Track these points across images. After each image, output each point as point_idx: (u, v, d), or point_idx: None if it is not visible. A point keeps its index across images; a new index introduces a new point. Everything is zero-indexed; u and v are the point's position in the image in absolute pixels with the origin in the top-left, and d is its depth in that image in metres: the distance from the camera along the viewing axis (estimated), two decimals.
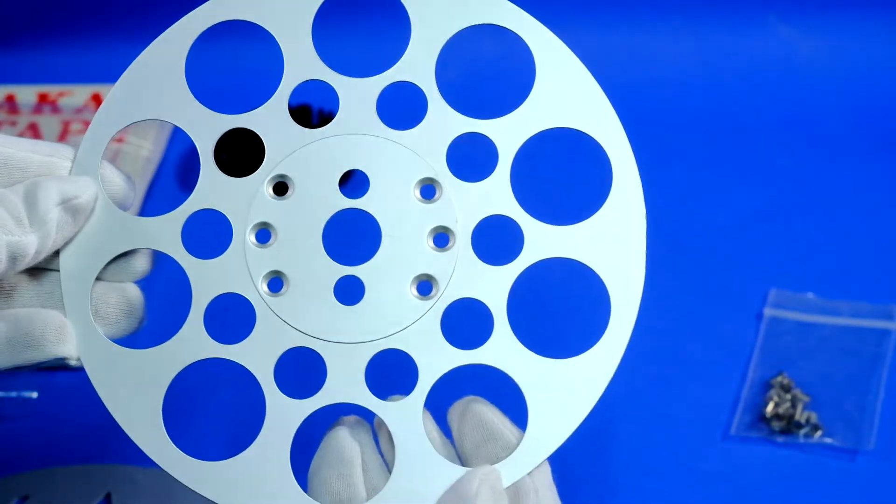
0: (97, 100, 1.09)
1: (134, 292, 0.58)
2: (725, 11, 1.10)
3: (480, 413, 0.56)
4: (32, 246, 0.55)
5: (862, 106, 1.06)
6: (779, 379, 0.86)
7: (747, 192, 1.01)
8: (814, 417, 0.84)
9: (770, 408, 0.84)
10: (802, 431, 0.83)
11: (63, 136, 1.06)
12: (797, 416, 0.84)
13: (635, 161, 0.58)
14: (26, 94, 1.11)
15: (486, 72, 1.02)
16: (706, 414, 0.85)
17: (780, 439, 0.83)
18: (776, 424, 0.84)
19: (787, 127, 1.05)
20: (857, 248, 0.95)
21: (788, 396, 0.85)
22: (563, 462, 0.57)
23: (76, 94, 1.10)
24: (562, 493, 0.57)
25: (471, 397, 0.57)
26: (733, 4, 1.10)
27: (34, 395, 0.88)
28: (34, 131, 1.07)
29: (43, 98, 1.10)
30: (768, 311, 0.91)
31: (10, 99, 1.11)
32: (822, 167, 1.02)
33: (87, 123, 1.05)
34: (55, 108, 1.09)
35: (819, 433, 0.83)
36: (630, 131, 0.59)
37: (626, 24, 1.11)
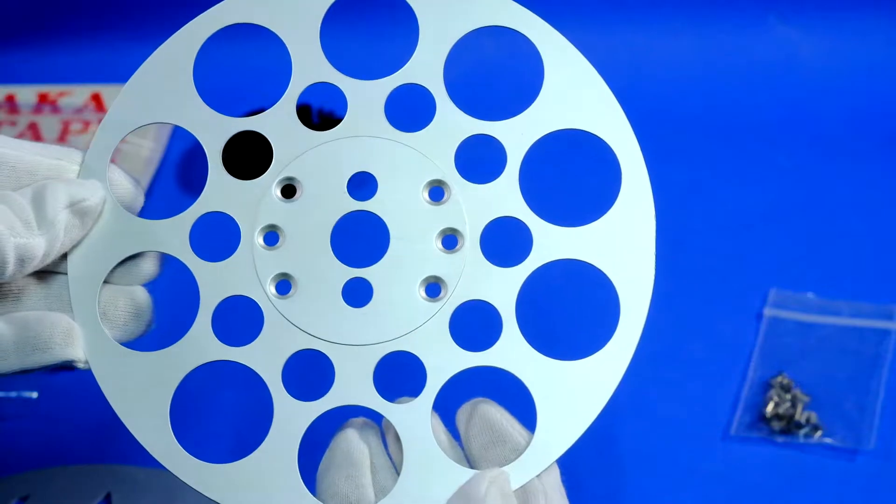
0: (97, 100, 1.08)
1: (142, 295, 0.58)
2: (725, 11, 1.10)
3: (489, 415, 0.56)
4: (40, 248, 0.55)
5: (862, 106, 1.06)
6: (779, 379, 0.86)
7: (747, 192, 1.01)
8: (814, 417, 0.84)
9: (770, 408, 0.84)
10: (802, 431, 0.83)
11: (63, 136, 1.06)
12: (797, 416, 0.84)
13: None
14: (26, 94, 1.10)
15: (494, 73, 1.02)
16: (706, 414, 0.85)
17: (780, 439, 0.83)
18: (776, 424, 0.84)
19: (787, 127, 1.05)
20: (857, 248, 0.95)
21: (788, 396, 0.85)
22: (563, 463, 0.56)
23: (76, 94, 1.09)
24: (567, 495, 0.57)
25: (479, 399, 0.57)
26: (733, 4, 1.10)
27: (34, 395, 0.87)
28: (34, 131, 1.07)
29: (43, 98, 1.10)
30: (768, 311, 0.91)
31: (10, 99, 1.10)
32: (822, 167, 1.02)
33: (87, 123, 1.07)
34: (55, 108, 1.09)
35: (819, 433, 0.83)
36: None
37: (627, 24, 1.11)
